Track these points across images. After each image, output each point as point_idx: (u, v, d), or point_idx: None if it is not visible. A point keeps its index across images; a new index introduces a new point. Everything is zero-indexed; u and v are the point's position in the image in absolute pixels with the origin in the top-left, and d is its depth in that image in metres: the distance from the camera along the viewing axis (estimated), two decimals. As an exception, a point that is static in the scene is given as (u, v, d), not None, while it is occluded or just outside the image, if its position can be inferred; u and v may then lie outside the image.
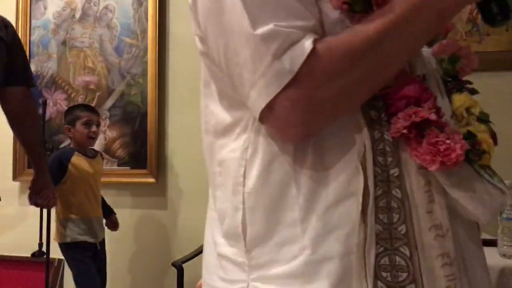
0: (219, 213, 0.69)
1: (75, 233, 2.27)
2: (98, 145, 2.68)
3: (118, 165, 2.67)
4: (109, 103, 2.70)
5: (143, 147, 2.63)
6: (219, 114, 0.69)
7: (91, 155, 2.42)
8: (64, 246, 2.30)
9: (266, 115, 0.58)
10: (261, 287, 0.62)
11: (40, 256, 2.24)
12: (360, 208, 0.57)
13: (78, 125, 2.34)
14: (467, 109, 0.66)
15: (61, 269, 2.69)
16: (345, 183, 0.59)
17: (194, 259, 1.93)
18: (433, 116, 0.58)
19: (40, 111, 2.27)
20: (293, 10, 0.56)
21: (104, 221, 2.45)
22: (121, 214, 2.68)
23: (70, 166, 2.29)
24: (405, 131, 0.57)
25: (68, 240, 2.27)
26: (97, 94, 2.71)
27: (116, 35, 2.70)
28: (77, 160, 2.32)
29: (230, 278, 0.66)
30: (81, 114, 2.36)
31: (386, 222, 0.57)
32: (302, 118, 0.57)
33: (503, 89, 2.15)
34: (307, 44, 0.55)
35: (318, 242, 0.59)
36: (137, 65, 2.66)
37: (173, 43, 2.67)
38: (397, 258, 0.56)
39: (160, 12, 2.64)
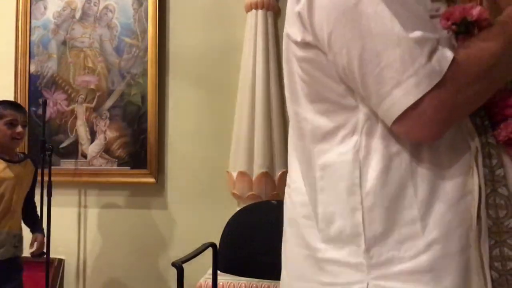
0: (324, 216, 0.71)
1: None
2: (98, 145, 2.69)
3: (118, 165, 2.67)
4: (109, 103, 2.70)
5: (143, 147, 2.63)
6: (314, 120, 0.72)
7: (18, 159, 2.14)
8: None
9: (408, 113, 0.62)
10: (386, 285, 0.65)
11: (40, 256, 2.22)
12: (476, 205, 0.64)
13: (1, 125, 2.05)
14: None
15: (61, 269, 2.69)
16: (462, 182, 0.66)
17: (194, 259, 1.93)
18: None
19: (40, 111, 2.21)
20: (428, 23, 0.63)
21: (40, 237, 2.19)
22: (121, 214, 2.69)
23: None
24: None
25: None
26: (97, 94, 2.71)
27: (116, 35, 2.70)
28: None
29: (341, 281, 0.68)
30: (4, 112, 2.06)
31: (495, 217, 0.64)
32: (446, 117, 0.62)
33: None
34: (448, 51, 0.61)
35: (443, 238, 0.64)
36: (137, 65, 2.66)
37: (173, 43, 2.68)
38: (505, 249, 0.63)
39: (160, 12, 2.64)
